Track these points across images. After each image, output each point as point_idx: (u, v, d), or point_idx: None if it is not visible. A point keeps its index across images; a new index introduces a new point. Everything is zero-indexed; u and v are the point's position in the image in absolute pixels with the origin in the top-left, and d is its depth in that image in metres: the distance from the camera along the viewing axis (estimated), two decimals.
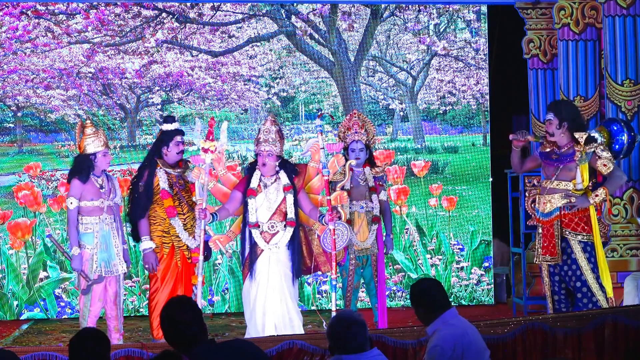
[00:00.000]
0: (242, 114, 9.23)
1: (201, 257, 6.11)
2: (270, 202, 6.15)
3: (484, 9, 9.28)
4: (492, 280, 9.27)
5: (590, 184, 6.21)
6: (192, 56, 9.03)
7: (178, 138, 6.50)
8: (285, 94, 9.23)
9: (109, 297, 6.39)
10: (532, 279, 8.47)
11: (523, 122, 9.39)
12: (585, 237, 6.15)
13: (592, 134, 6.80)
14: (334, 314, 5.73)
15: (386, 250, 6.99)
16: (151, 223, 6.44)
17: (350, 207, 6.80)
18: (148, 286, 6.75)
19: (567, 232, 6.17)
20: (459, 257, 9.23)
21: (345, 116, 8.13)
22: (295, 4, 9.07)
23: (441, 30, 9.33)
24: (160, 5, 8.88)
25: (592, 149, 6.13)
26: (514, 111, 9.87)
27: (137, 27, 8.89)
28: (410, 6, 9.21)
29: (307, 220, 6.29)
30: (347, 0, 9.09)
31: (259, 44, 9.12)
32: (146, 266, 6.47)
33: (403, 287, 9.09)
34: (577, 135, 6.18)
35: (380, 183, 6.97)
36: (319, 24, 9.14)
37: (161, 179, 6.43)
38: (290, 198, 6.16)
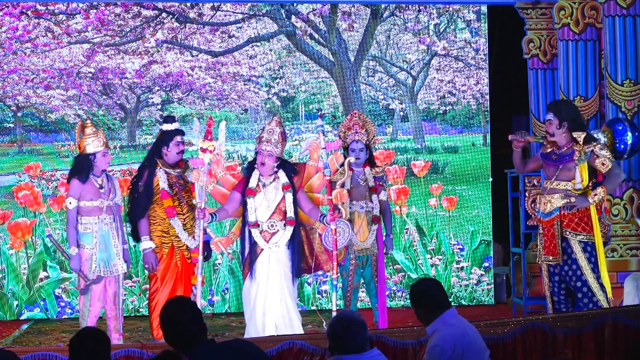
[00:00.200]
0: (242, 114, 9.23)
1: (200, 257, 6.11)
2: (269, 202, 6.15)
3: (484, 9, 9.28)
4: (492, 280, 9.27)
5: (590, 184, 6.21)
6: (192, 56, 9.03)
7: (178, 138, 6.50)
8: (285, 94, 9.23)
9: (108, 297, 6.39)
10: (532, 279, 8.47)
11: (523, 122, 9.39)
12: (585, 237, 6.15)
13: (595, 134, 6.81)
14: (334, 314, 5.73)
15: (386, 250, 6.99)
16: (151, 223, 6.44)
17: (350, 207, 6.80)
18: (148, 286, 6.75)
19: (567, 232, 6.17)
20: (459, 257, 9.23)
21: (345, 116, 8.13)
22: (295, 4, 9.08)
23: (441, 30, 9.33)
24: (160, 5, 8.88)
25: (591, 148, 6.13)
26: (514, 111, 9.88)
27: (137, 27, 8.89)
28: (410, 6, 9.21)
29: (308, 219, 6.29)
30: (347, 0, 9.09)
31: (259, 44, 9.13)
32: (146, 266, 6.46)
33: (403, 287, 9.09)
34: (575, 135, 6.18)
35: (380, 183, 6.97)
36: (319, 24, 9.15)
37: (161, 179, 6.43)
38: (289, 197, 6.16)
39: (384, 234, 6.97)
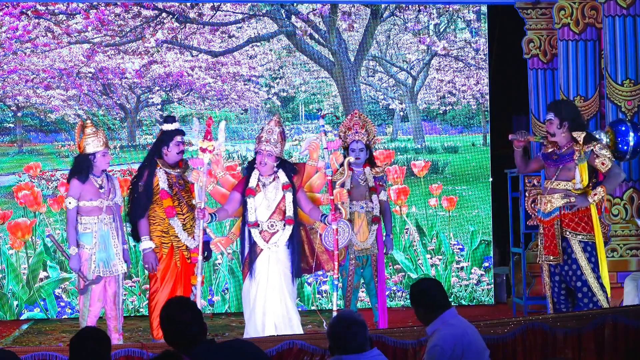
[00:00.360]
0: (242, 114, 9.23)
1: (200, 257, 6.11)
2: (269, 201, 6.15)
3: (484, 9, 9.28)
4: (492, 280, 9.27)
5: (590, 184, 6.21)
6: (192, 56, 9.03)
7: (178, 138, 6.50)
8: (285, 94, 9.23)
9: (108, 297, 6.39)
10: (532, 279, 8.48)
11: (523, 122, 9.39)
12: (585, 237, 6.15)
13: (597, 135, 6.81)
14: (334, 314, 5.73)
15: (386, 251, 6.99)
16: (151, 223, 6.43)
17: (350, 207, 6.80)
18: (148, 286, 6.75)
19: (567, 232, 6.17)
20: (459, 257, 9.23)
21: (346, 116, 8.13)
22: (295, 4, 9.08)
23: (441, 30, 9.33)
24: (160, 5, 8.88)
25: (591, 148, 6.14)
26: (514, 111, 9.88)
27: (137, 27, 8.89)
28: (410, 6, 9.21)
29: (308, 219, 6.29)
30: (347, 0, 9.09)
31: (259, 44, 9.13)
32: (146, 266, 6.46)
33: (403, 287, 9.09)
34: (575, 134, 6.18)
35: (381, 183, 6.97)
36: (319, 24, 9.15)
37: (161, 179, 6.42)
38: (289, 196, 6.16)
39: (384, 234, 6.97)
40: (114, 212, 6.43)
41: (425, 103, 9.35)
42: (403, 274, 9.15)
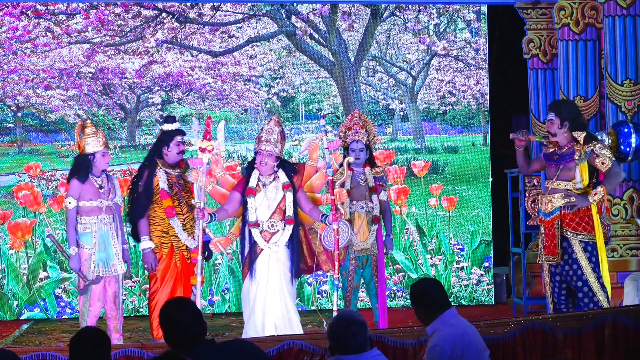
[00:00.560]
0: (242, 114, 9.23)
1: (200, 257, 6.10)
2: (270, 201, 6.14)
3: (484, 9, 9.28)
4: (492, 280, 9.27)
5: (591, 184, 6.21)
6: (192, 56, 9.03)
7: (178, 138, 6.50)
8: (285, 94, 9.23)
9: (108, 297, 6.38)
10: (532, 279, 8.48)
11: (523, 122, 9.39)
12: (586, 237, 6.15)
13: (599, 136, 6.81)
14: (335, 313, 5.73)
15: (386, 251, 6.99)
16: (150, 223, 6.43)
17: (350, 207, 6.80)
18: (148, 286, 6.75)
19: (567, 232, 6.17)
20: (459, 257, 9.23)
21: (346, 116, 8.12)
22: (295, 4, 9.07)
23: (441, 30, 9.33)
24: (160, 5, 8.88)
25: (591, 148, 6.14)
26: (514, 111, 9.88)
27: (137, 27, 8.89)
28: (410, 6, 9.21)
29: (307, 219, 6.28)
30: (347, 0, 9.09)
31: (259, 44, 9.13)
32: (145, 266, 6.46)
33: (403, 287, 9.09)
34: (576, 134, 6.18)
35: (381, 183, 6.97)
36: (319, 24, 9.15)
37: (161, 179, 6.42)
38: (289, 196, 6.15)
39: (384, 234, 6.97)
40: (114, 212, 6.42)
41: (425, 103, 9.35)
42: (403, 274, 9.15)
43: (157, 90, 9.01)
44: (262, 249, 6.11)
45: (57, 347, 5.42)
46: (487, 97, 9.32)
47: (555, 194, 6.22)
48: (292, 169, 6.27)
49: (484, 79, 9.31)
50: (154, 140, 6.85)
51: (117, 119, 8.98)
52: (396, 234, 9.00)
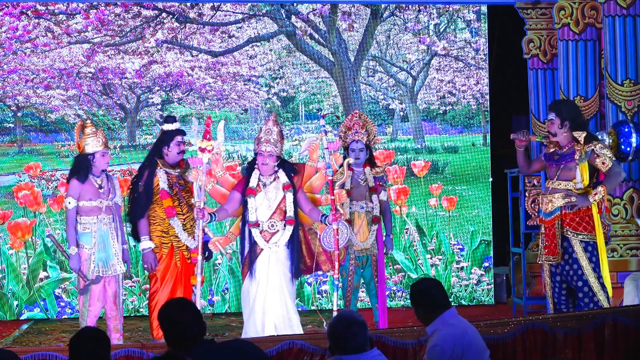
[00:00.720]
0: (242, 114, 9.23)
1: (199, 257, 6.10)
2: (270, 201, 6.14)
3: (484, 9, 9.28)
4: (492, 280, 9.27)
5: (591, 184, 6.21)
6: (192, 56, 9.03)
7: (179, 138, 6.50)
8: (285, 94, 9.23)
9: (108, 297, 6.38)
10: (532, 279, 8.48)
11: (523, 122, 9.39)
12: (586, 237, 6.15)
13: (599, 136, 6.80)
14: (335, 313, 5.72)
15: (386, 251, 6.99)
16: (151, 223, 6.43)
17: (350, 207, 6.80)
18: (148, 286, 6.75)
19: (568, 232, 6.17)
20: (459, 257, 9.23)
21: (346, 116, 8.12)
22: (295, 4, 9.07)
23: (441, 30, 9.33)
24: (160, 5, 8.88)
25: (591, 147, 6.14)
26: (514, 111, 9.88)
27: (137, 27, 8.89)
28: (410, 6, 9.21)
29: (307, 219, 6.28)
30: (347, 0, 9.09)
31: (259, 44, 9.13)
32: (145, 266, 6.46)
33: (403, 287, 9.09)
34: (576, 134, 6.19)
35: (381, 183, 6.97)
36: (319, 24, 9.15)
37: (161, 179, 6.42)
38: (289, 196, 6.15)
39: (384, 234, 6.97)
40: (114, 212, 6.42)
41: (425, 103, 9.35)
42: (403, 274, 9.15)
43: (157, 90, 9.01)
44: (262, 249, 6.11)
45: (57, 347, 5.42)
46: (487, 97, 9.32)
47: (556, 193, 6.22)
48: (292, 169, 6.27)
49: (484, 79, 9.31)
50: (154, 140, 6.85)
51: (117, 119, 8.98)
52: (396, 234, 9.00)
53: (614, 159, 6.24)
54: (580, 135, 6.17)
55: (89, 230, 6.32)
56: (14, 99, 8.83)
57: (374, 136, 7.02)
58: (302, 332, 6.04)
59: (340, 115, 8.98)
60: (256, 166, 6.19)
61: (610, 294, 6.15)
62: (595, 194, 6.11)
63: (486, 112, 9.34)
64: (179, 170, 6.53)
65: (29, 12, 8.71)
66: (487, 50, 9.31)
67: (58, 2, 8.74)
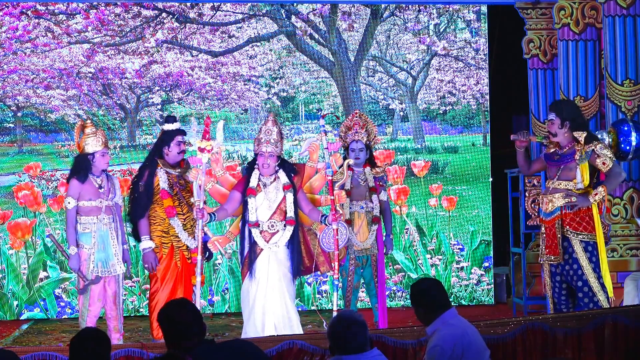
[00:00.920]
0: (242, 114, 9.23)
1: (199, 257, 6.10)
2: (270, 202, 6.14)
3: (484, 9, 9.28)
4: (492, 280, 9.27)
5: (592, 184, 6.21)
6: (192, 56, 9.03)
7: (179, 138, 6.50)
8: (285, 94, 9.23)
9: (108, 297, 6.39)
10: (532, 279, 8.48)
11: (523, 122, 9.40)
12: (586, 237, 6.15)
13: (599, 135, 6.80)
14: (334, 314, 5.73)
15: (386, 251, 6.99)
16: (151, 223, 6.43)
17: (350, 207, 6.81)
18: (148, 286, 6.75)
19: (568, 232, 6.17)
20: (459, 257, 9.23)
21: (346, 116, 8.12)
22: (295, 4, 9.08)
23: (441, 30, 9.33)
24: (160, 5, 8.88)
25: (592, 148, 6.14)
26: (514, 111, 9.88)
27: (137, 27, 8.89)
28: (410, 6, 9.21)
29: (306, 220, 6.28)
30: (347, 0, 9.09)
31: (259, 44, 9.13)
32: (146, 266, 6.46)
33: (403, 287, 9.09)
34: (576, 134, 6.19)
35: (381, 183, 6.97)
36: (319, 24, 9.15)
37: (161, 179, 6.43)
38: (290, 197, 6.15)
39: (384, 234, 6.97)
40: (114, 212, 6.42)
41: (425, 103, 9.35)
42: (403, 274, 9.15)
43: (157, 90, 9.01)
44: (262, 249, 6.11)
45: (57, 347, 5.42)
46: (487, 97, 9.32)
47: (556, 193, 6.22)
48: (291, 169, 6.27)
49: (484, 79, 9.31)
50: (154, 140, 6.85)
51: (117, 119, 8.98)
52: (396, 234, 9.01)
53: (614, 159, 6.24)
54: (581, 136, 6.17)
55: (88, 230, 6.32)
56: (14, 99, 8.83)
57: (374, 136, 7.02)
58: (302, 332, 6.04)
59: (340, 115, 8.98)
60: (256, 166, 6.19)
61: (610, 294, 6.15)
62: (596, 194, 6.12)
63: (486, 112, 9.34)
64: (179, 170, 6.53)
65: (29, 12, 8.71)
66: (487, 50, 9.32)
67: (58, 2, 8.74)
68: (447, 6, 9.22)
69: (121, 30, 8.86)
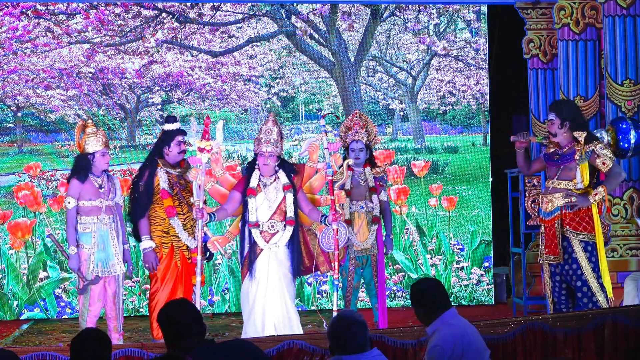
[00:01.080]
0: (242, 114, 9.23)
1: (199, 257, 6.10)
2: (270, 202, 6.14)
3: (484, 9, 9.28)
4: (492, 280, 9.27)
5: (592, 184, 6.22)
6: (192, 56, 9.03)
7: (179, 138, 6.50)
8: (285, 94, 9.23)
9: (108, 297, 6.39)
10: (532, 279, 8.48)
11: (523, 122, 9.40)
12: (586, 237, 6.15)
13: (598, 134, 6.79)
14: (334, 314, 5.73)
15: (386, 251, 6.99)
16: (151, 223, 6.44)
17: (350, 207, 6.81)
18: (148, 286, 6.75)
19: (568, 232, 6.17)
20: (459, 257, 9.23)
21: (346, 116, 8.12)
22: (295, 4, 9.08)
23: (441, 30, 9.33)
24: (160, 5, 8.88)
25: (592, 148, 6.14)
26: (514, 111, 9.88)
27: (137, 27, 8.89)
28: (410, 6, 9.21)
29: (306, 220, 6.28)
30: (347, 0, 9.09)
31: (259, 44, 9.13)
32: (146, 265, 6.47)
33: (403, 287, 9.09)
34: (576, 134, 6.19)
35: (381, 183, 6.97)
36: (319, 24, 9.15)
37: (161, 179, 6.43)
38: (290, 197, 6.15)
39: (384, 234, 6.97)
40: (114, 212, 6.42)
41: (425, 103, 9.35)
42: (403, 274, 9.15)
43: (157, 90, 9.01)
44: (261, 249, 6.11)
45: (57, 347, 5.42)
46: (487, 97, 9.32)
47: (556, 193, 6.22)
48: (291, 169, 6.27)
49: (484, 79, 9.31)
50: (154, 140, 6.85)
51: (117, 119, 8.98)
52: (396, 234, 9.01)
53: (614, 159, 6.24)
54: (581, 136, 6.17)
55: (88, 230, 6.32)
56: (14, 99, 8.83)
57: (374, 136, 7.02)
58: (302, 332, 6.04)
59: (340, 115, 8.98)
60: (256, 166, 6.19)
61: (610, 294, 6.15)
62: (596, 194, 6.12)
63: (486, 112, 9.34)
64: (179, 170, 6.53)
65: (29, 12, 8.71)
66: (487, 50, 9.32)
67: (58, 2, 8.74)
68: (447, 6, 9.22)
69: (121, 30, 8.87)
